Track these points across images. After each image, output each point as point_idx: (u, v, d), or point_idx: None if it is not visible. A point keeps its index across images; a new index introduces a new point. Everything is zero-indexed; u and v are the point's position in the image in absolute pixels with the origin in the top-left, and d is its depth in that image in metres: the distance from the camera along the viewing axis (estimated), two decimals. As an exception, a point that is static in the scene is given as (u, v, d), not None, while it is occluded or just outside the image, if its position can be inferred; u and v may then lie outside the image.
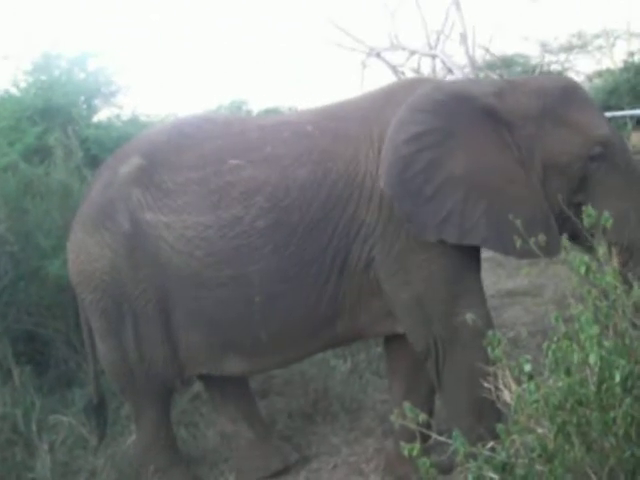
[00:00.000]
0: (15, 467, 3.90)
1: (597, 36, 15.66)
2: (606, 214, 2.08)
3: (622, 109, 11.30)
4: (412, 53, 14.38)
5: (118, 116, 6.85)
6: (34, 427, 4.07)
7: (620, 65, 13.80)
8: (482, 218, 3.31)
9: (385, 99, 3.61)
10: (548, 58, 15.38)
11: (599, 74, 14.11)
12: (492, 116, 3.37)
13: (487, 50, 14.59)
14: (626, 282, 2.13)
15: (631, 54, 13.85)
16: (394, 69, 14.31)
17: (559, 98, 3.41)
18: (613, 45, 14.95)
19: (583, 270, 1.96)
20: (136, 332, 3.73)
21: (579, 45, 15.94)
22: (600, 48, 15.56)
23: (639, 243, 3.13)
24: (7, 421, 4.12)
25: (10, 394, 4.29)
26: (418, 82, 3.73)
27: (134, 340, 3.74)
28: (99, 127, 5.92)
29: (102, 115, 6.75)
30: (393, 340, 3.79)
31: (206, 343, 3.69)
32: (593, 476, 1.79)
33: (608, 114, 7.17)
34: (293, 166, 3.52)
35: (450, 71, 13.26)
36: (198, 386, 4.60)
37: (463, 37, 13.54)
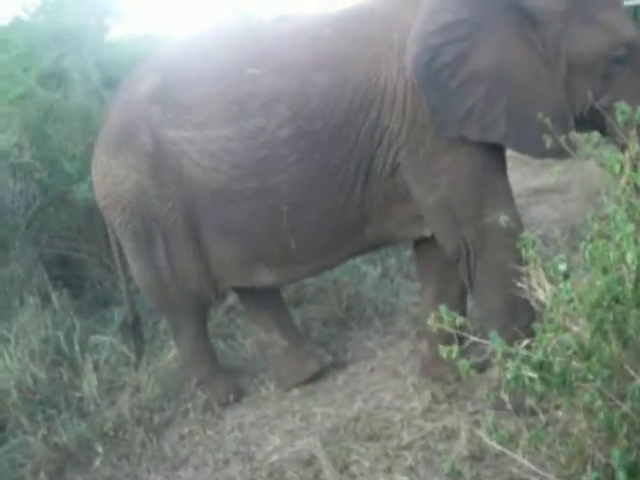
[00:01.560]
0: (62, 387, 4.03)
1: None
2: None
3: None
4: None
5: (130, 34, 6.72)
6: (77, 348, 4.19)
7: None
8: (503, 115, 3.26)
9: (403, 1, 3.50)
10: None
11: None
12: (519, 11, 3.26)
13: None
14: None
15: None
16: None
17: None
18: None
19: (617, 168, 1.94)
20: (167, 250, 3.78)
21: None
22: None
23: None
24: (50, 344, 4.24)
25: (51, 318, 4.39)
26: None
27: (166, 258, 3.80)
28: (113, 47, 5.82)
29: (113, 35, 6.62)
30: (422, 243, 3.80)
31: (237, 256, 3.74)
32: (630, 371, 1.82)
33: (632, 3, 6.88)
34: (313, 72, 3.46)
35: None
36: (233, 298, 4.68)
37: None
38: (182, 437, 3.81)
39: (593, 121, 3.26)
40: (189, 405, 3.96)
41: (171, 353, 4.23)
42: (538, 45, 3.26)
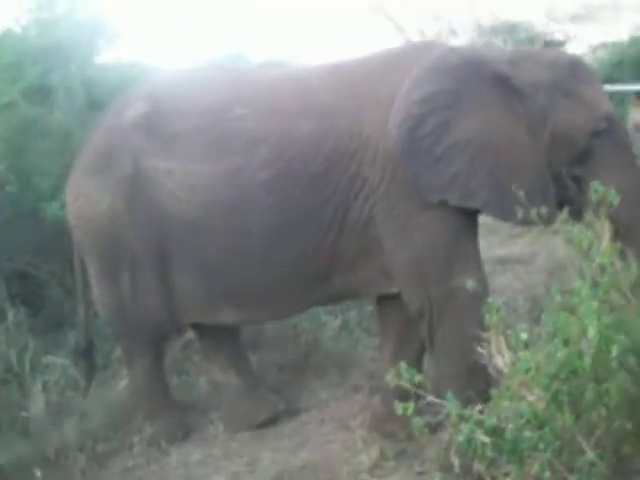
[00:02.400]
0: (9, 406, 3.95)
1: (603, 7, 15.45)
2: (613, 191, 2.11)
3: (624, 83, 11.19)
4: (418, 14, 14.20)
5: (117, 59, 6.73)
6: (28, 367, 4.12)
7: (626, 38, 13.59)
8: (485, 182, 3.34)
9: (394, 61, 3.60)
10: (552, 26, 15.17)
11: (604, 46, 13.92)
12: (504, 83, 3.39)
13: (493, 14, 14.42)
14: (623, 258, 2.18)
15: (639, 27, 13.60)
16: (399, 29, 14.13)
17: (569, 71, 3.45)
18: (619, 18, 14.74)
19: (585, 245, 2.00)
20: (132, 277, 3.77)
21: (584, 15, 15.75)
22: (606, 20, 15.34)
23: (637, 220, 3.19)
24: (1, 361, 4.17)
25: (4, 334, 4.33)
26: (428, 46, 3.73)
27: (130, 285, 3.78)
28: (101, 69, 5.85)
29: (103, 58, 6.64)
30: (385, 299, 3.82)
31: (202, 291, 3.73)
32: (582, 443, 1.85)
33: (611, 87, 7.16)
34: (299, 119, 3.53)
35: (454, 33, 13.13)
36: (190, 334, 4.64)
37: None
38: (125, 469, 3.75)
39: (569, 192, 3.36)
40: (135, 438, 3.89)
41: (122, 383, 4.18)
42: (522, 116, 3.37)
